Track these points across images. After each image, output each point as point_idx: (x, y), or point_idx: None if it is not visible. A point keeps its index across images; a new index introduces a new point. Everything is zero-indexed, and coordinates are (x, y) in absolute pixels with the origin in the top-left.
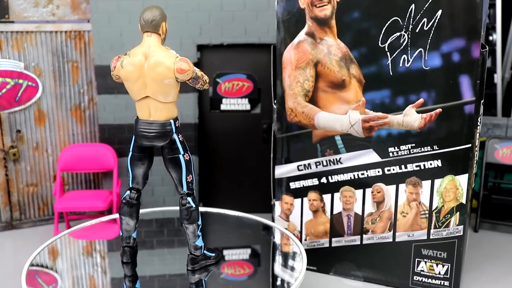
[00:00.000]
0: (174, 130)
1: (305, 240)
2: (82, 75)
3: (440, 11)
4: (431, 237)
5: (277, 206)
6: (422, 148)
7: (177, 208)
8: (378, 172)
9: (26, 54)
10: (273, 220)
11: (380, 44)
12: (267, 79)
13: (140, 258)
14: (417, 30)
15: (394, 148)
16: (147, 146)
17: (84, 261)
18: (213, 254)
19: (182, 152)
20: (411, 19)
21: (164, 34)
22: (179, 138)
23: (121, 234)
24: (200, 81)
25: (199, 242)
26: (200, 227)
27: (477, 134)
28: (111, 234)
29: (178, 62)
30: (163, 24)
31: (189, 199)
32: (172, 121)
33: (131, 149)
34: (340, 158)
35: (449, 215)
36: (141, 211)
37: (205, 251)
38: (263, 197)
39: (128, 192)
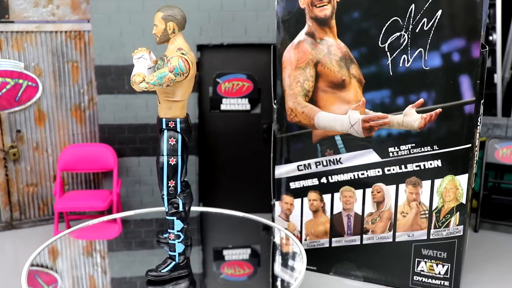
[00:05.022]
0: None
1: (305, 240)
2: (82, 75)
3: (440, 11)
4: (431, 237)
5: (277, 206)
6: (422, 148)
7: None
8: (378, 172)
9: (26, 54)
10: (273, 220)
11: (380, 44)
12: (267, 79)
13: (140, 258)
14: (417, 30)
15: (394, 148)
16: None
17: (84, 261)
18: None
19: None
20: (411, 19)
21: None
22: None
23: (183, 247)
24: None
25: None
26: None
27: (477, 134)
28: (111, 234)
29: None
30: None
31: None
32: None
33: (180, 153)
34: (340, 158)
35: (449, 215)
36: (141, 211)
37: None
38: (263, 197)
39: (180, 200)
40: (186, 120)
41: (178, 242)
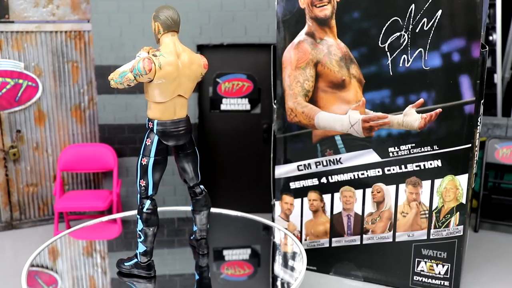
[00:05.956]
0: None
1: (305, 240)
2: (82, 75)
3: (440, 11)
4: (431, 237)
5: (277, 206)
6: (422, 148)
7: (177, 208)
8: (378, 172)
9: (26, 54)
10: (273, 220)
11: (380, 44)
12: (267, 79)
13: None
14: (417, 30)
15: (394, 148)
16: (167, 148)
17: (84, 262)
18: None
19: (195, 144)
20: (411, 19)
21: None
22: None
23: (144, 249)
24: None
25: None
26: None
27: (477, 134)
28: (111, 234)
29: (203, 58)
30: None
31: (202, 186)
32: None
33: (153, 154)
34: (340, 158)
35: (449, 215)
36: None
37: None
38: (263, 197)
39: (148, 201)
40: (171, 123)
41: (140, 241)
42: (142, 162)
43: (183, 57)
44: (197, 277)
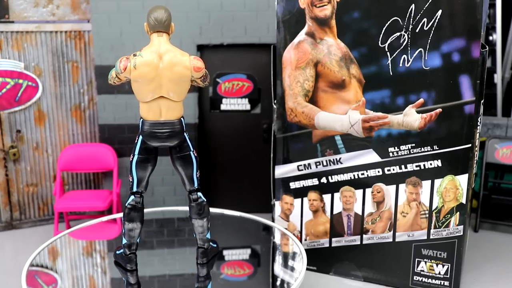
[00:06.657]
0: (184, 128)
1: (305, 240)
2: (82, 75)
3: (440, 11)
4: (431, 237)
5: (277, 206)
6: (422, 148)
7: (177, 208)
8: (378, 172)
9: (26, 54)
10: (273, 220)
11: (380, 44)
12: (267, 79)
13: (140, 259)
14: (417, 30)
15: (394, 148)
16: (156, 147)
17: (84, 262)
18: (215, 245)
19: (192, 149)
20: (411, 19)
21: (172, 33)
22: (187, 136)
23: (125, 241)
24: (207, 78)
25: (209, 235)
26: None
27: (477, 134)
28: (111, 234)
29: (194, 60)
30: (172, 24)
31: (200, 194)
32: (182, 119)
33: (137, 152)
34: (340, 158)
35: (449, 215)
36: None
37: (211, 243)
38: (263, 197)
39: (132, 197)
40: (154, 124)
41: (123, 233)
42: (130, 158)
43: (166, 58)
44: (197, 278)
